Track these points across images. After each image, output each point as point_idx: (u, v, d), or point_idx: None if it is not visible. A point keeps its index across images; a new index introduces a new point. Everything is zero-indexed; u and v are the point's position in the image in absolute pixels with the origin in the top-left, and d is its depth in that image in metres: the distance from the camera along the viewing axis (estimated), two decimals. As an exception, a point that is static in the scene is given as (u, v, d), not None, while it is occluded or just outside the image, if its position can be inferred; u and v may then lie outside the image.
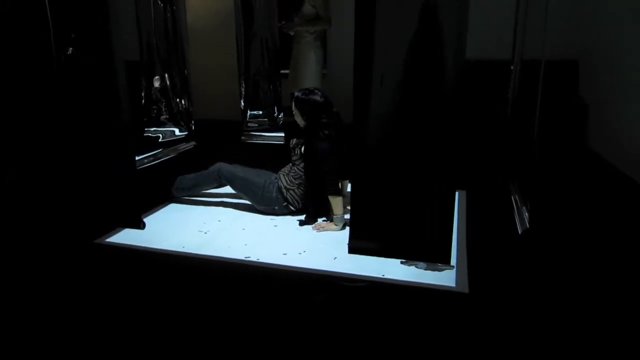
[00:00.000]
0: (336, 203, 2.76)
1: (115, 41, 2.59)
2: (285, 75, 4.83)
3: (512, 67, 3.88)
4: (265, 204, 3.00)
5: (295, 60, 4.55)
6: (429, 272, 2.31)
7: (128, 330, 1.93)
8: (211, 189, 3.25)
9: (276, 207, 2.99)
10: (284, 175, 2.99)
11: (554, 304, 2.07)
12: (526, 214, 2.79)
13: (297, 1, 4.43)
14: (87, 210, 2.89)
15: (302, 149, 2.89)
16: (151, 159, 4.28)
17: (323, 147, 2.77)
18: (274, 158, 3.37)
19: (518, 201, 3.07)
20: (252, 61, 5.01)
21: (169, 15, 4.52)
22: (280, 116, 5.12)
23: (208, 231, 2.84)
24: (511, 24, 3.81)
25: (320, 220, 2.90)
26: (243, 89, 5.10)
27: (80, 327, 1.95)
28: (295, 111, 2.92)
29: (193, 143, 4.83)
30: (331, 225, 2.80)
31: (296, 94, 2.92)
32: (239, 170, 3.08)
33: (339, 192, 2.77)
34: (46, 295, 2.20)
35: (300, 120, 2.92)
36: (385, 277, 2.28)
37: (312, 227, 2.83)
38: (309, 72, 4.51)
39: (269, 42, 4.95)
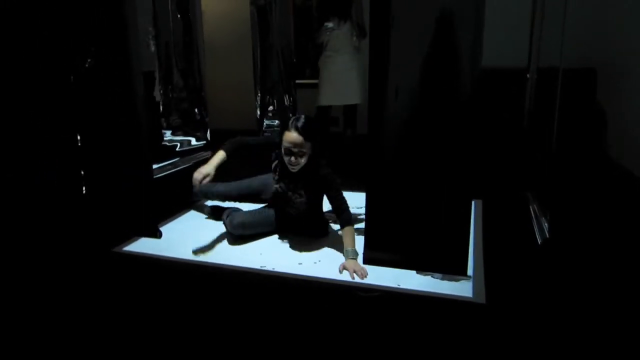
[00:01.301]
0: (353, 235, 2.53)
1: (133, 51, 2.63)
2: (303, 85, 4.76)
3: (528, 75, 3.85)
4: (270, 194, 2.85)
5: (334, 73, 4.19)
6: (445, 282, 2.29)
7: (145, 339, 1.94)
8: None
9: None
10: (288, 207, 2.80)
11: (574, 316, 2.03)
12: (545, 224, 2.75)
13: (345, 12, 4.19)
14: (103, 219, 2.92)
15: (302, 191, 2.70)
16: (168, 167, 4.32)
17: (334, 176, 2.65)
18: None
19: (537, 210, 3.04)
20: (268, 72, 5.05)
21: (186, 27, 4.58)
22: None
23: (224, 240, 2.85)
24: (527, 31, 3.78)
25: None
26: (259, 99, 5.14)
27: (96, 336, 1.96)
28: (302, 145, 2.56)
29: (210, 152, 4.87)
30: (357, 264, 2.43)
31: (300, 124, 2.59)
32: (243, 215, 2.93)
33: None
34: (65, 304, 2.22)
35: (302, 158, 2.59)
36: (400, 286, 2.26)
37: (342, 271, 2.43)
38: (360, 85, 4.16)
39: (284, 53, 4.98)
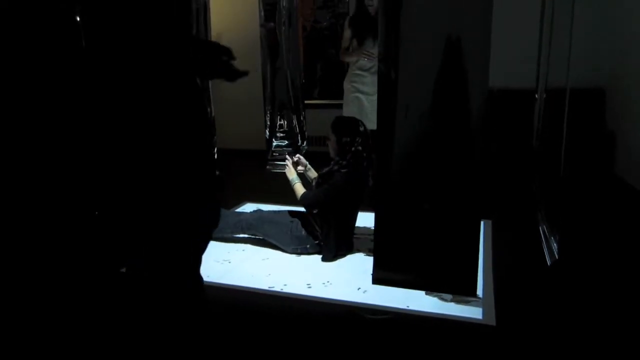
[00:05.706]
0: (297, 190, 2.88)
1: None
2: (311, 105, 4.74)
3: (536, 96, 3.86)
4: (296, 244, 2.89)
5: (362, 94, 3.99)
6: (454, 303, 2.27)
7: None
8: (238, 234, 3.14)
9: (308, 246, 2.88)
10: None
11: (585, 338, 2.00)
12: (555, 245, 2.73)
13: (374, 33, 3.99)
14: (113, 242, 2.92)
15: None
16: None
17: (342, 177, 2.85)
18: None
19: (546, 231, 3.02)
20: (276, 92, 5.09)
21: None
22: (304, 145, 5.16)
23: (231, 261, 2.85)
24: (535, 52, 3.80)
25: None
26: (268, 119, 5.18)
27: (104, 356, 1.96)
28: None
29: (218, 172, 4.89)
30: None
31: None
32: (259, 215, 3.08)
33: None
34: (76, 325, 2.22)
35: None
36: (409, 308, 2.25)
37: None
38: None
39: (293, 73, 5.03)
